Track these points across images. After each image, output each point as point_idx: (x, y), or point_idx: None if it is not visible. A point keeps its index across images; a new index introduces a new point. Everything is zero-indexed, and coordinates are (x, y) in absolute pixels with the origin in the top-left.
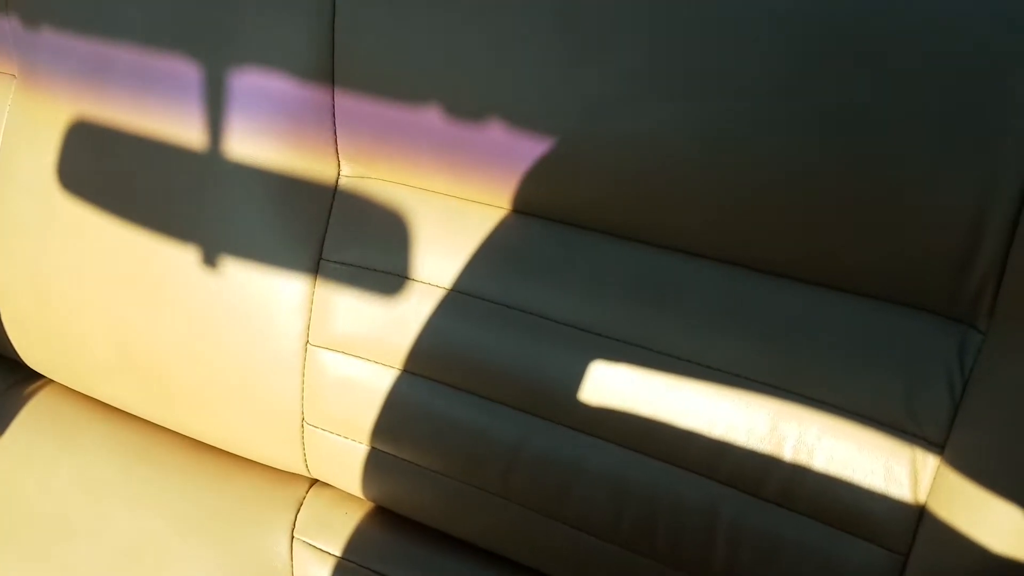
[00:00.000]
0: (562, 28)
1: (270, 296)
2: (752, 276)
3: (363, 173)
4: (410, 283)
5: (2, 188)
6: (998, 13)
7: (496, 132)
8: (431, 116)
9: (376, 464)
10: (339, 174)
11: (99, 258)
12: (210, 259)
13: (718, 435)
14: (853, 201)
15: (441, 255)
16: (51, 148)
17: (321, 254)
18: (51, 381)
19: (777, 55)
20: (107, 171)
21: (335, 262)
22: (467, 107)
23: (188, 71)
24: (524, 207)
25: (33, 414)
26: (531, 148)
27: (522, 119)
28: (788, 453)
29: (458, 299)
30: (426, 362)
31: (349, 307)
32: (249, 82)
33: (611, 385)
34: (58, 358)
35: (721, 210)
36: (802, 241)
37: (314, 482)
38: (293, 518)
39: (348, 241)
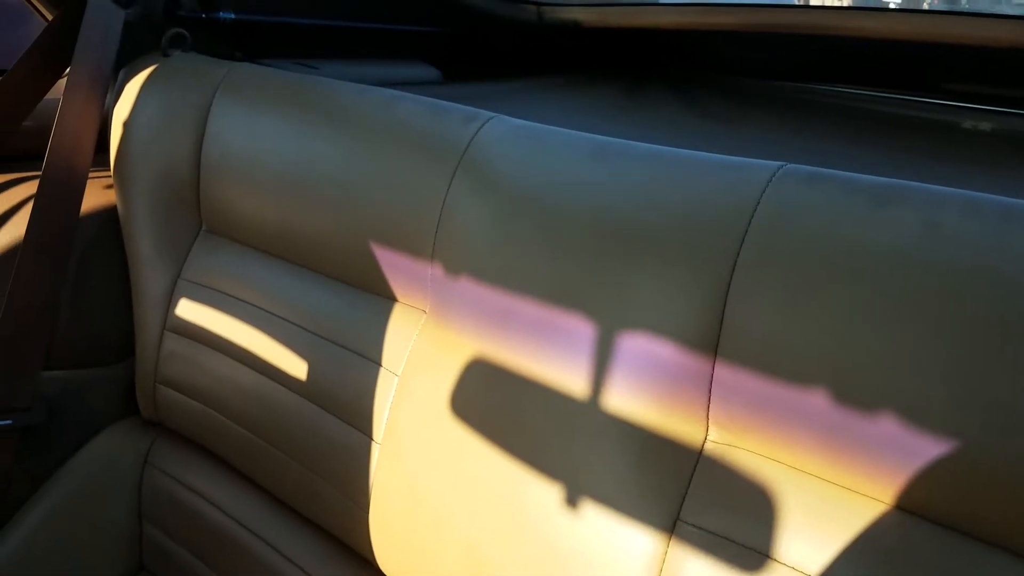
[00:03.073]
0: (967, 337)
1: (622, 548)
2: None
3: (732, 442)
4: (771, 563)
5: (397, 404)
6: None
7: (889, 425)
8: (817, 400)
9: None
10: (706, 438)
11: (471, 481)
12: (570, 500)
13: None
14: None
15: (809, 540)
16: (448, 376)
17: (679, 515)
18: None
19: None
20: (494, 404)
21: (692, 525)
22: (859, 396)
23: (582, 329)
24: (911, 506)
25: None
26: (928, 447)
27: (920, 417)
28: None
29: None
30: None
31: (700, 574)
32: (636, 344)
33: None
34: (410, 564)
35: None
36: None
37: None
38: None
39: (708, 506)
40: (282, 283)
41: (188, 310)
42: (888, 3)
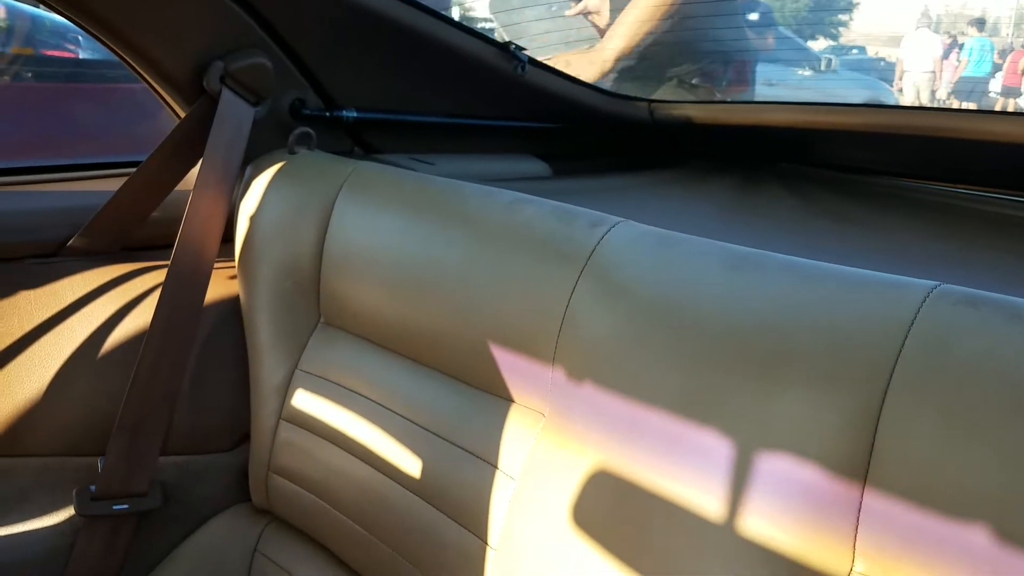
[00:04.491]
0: None
1: None
2: None
3: (880, 574)
4: None
5: (514, 508)
6: None
7: None
8: (975, 537)
9: None
10: (852, 570)
11: None
12: None
13: None
14: None
15: None
16: (570, 484)
17: None
18: None
19: None
20: (619, 517)
21: None
22: (1020, 534)
23: (718, 445)
24: None
25: None
26: None
27: None
28: None
29: None
30: None
31: None
32: (776, 464)
33: None
34: None
35: None
36: None
37: None
38: None
39: None
40: (398, 378)
41: (304, 400)
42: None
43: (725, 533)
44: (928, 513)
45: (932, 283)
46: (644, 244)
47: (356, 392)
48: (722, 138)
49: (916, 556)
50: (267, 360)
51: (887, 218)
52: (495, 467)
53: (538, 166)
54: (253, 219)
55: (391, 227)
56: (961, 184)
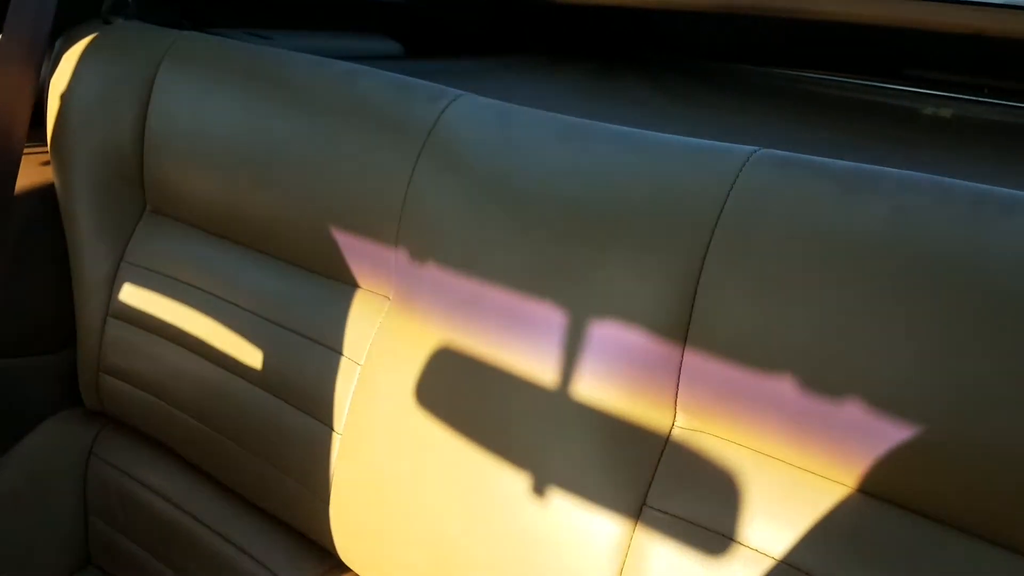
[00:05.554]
0: (936, 324)
1: (588, 533)
2: None
3: (699, 427)
4: (736, 546)
5: (360, 393)
6: None
7: (854, 411)
8: (784, 386)
9: None
10: (674, 424)
11: (435, 469)
12: (538, 488)
13: None
14: None
15: (774, 524)
16: (414, 365)
17: (645, 500)
18: None
19: None
20: (460, 392)
21: (658, 510)
22: (826, 384)
23: (552, 316)
24: (875, 490)
25: None
26: (892, 432)
27: (886, 403)
28: None
29: (788, 572)
30: None
31: (666, 558)
32: (605, 332)
33: None
34: (374, 556)
35: None
36: None
37: None
38: None
39: (674, 491)
40: (234, 267)
41: (132, 295)
42: None
43: (558, 398)
44: (743, 368)
45: (751, 148)
46: (483, 117)
47: (189, 284)
48: (580, 22)
49: (732, 408)
50: (89, 253)
51: (734, 101)
52: (340, 353)
53: (390, 46)
54: (65, 98)
55: (218, 104)
56: (811, 69)
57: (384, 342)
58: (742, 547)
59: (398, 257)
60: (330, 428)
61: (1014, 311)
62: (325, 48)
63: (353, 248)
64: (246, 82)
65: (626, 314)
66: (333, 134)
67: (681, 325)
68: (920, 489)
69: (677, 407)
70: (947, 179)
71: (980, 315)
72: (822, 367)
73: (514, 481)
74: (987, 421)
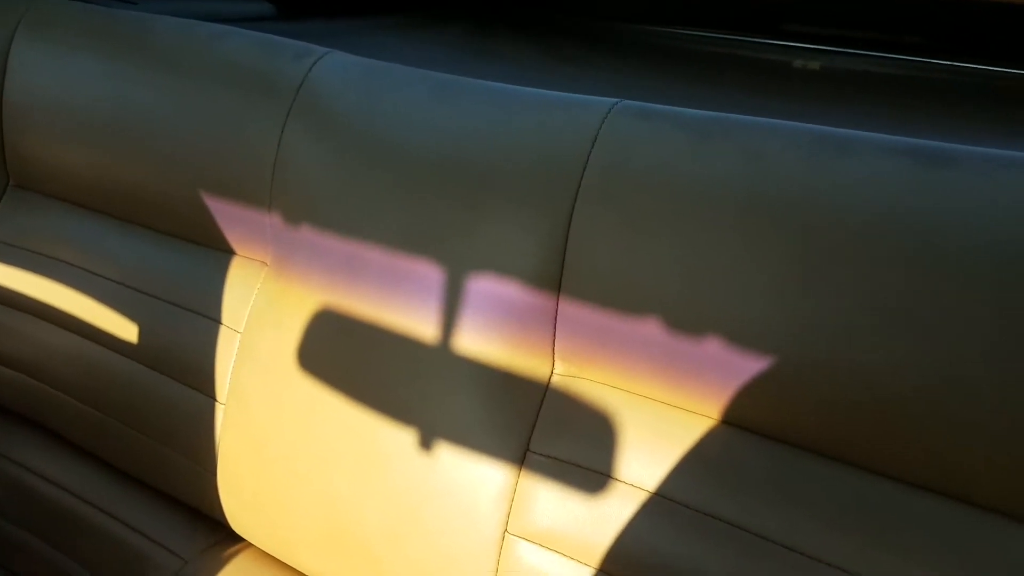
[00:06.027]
0: (783, 262)
1: (475, 483)
2: (979, 514)
3: (576, 373)
4: (613, 483)
5: (240, 362)
6: None
7: (714, 347)
8: (651, 328)
9: None
10: (552, 372)
11: (321, 433)
12: (424, 443)
13: None
14: None
15: (647, 459)
16: (294, 330)
17: (528, 446)
18: (251, 545)
19: (1012, 298)
20: (342, 354)
21: (541, 455)
22: (687, 322)
23: (431, 273)
24: (737, 420)
25: None
26: (748, 365)
27: (742, 337)
28: None
29: (661, 504)
30: (623, 564)
31: (551, 500)
32: (483, 286)
33: None
34: (265, 524)
35: (940, 447)
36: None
37: None
38: None
39: (555, 436)
40: (105, 240)
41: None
42: None
43: (440, 354)
44: (613, 313)
45: (613, 100)
46: (352, 75)
47: (59, 259)
48: None
49: (605, 353)
50: None
51: (608, 58)
52: (218, 322)
53: (261, 7)
54: None
55: (80, 72)
56: (687, 26)
57: (263, 308)
58: (620, 483)
59: (273, 221)
60: (213, 399)
61: (851, 245)
62: (193, 11)
63: (227, 214)
64: (108, 48)
65: (502, 268)
66: (200, 98)
67: (554, 276)
68: (777, 417)
69: (555, 355)
70: (792, 123)
71: (821, 251)
72: (684, 307)
73: (400, 438)
74: (831, 350)
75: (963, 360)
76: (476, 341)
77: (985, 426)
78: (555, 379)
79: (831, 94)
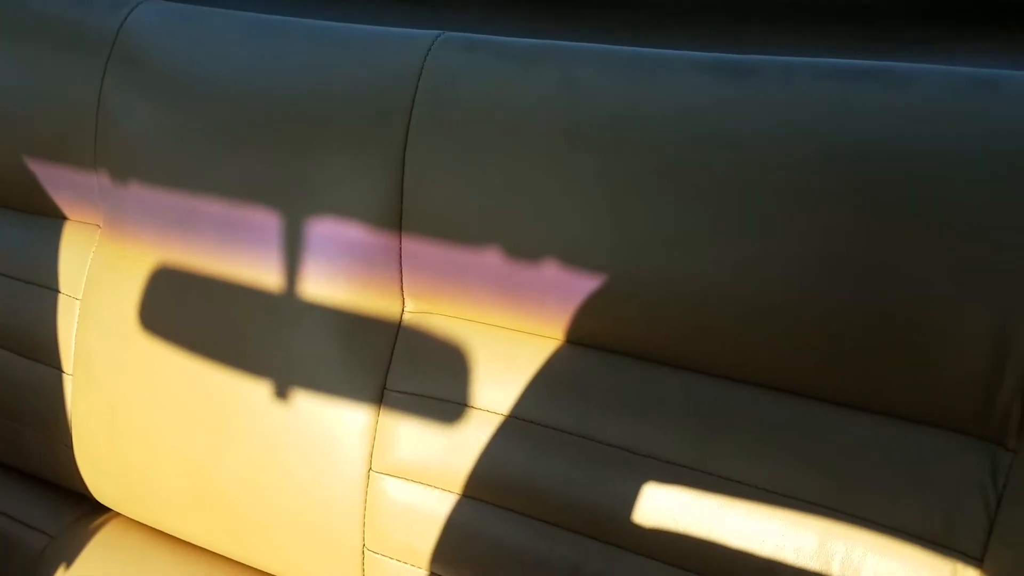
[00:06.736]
0: (605, 182)
1: (336, 425)
2: (799, 402)
3: (426, 309)
4: (469, 410)
5: (83, 329)
6: None
7: (551, 271)
8: (491, 257)
9: None
10: (403, 310)
11: (174, 394)
12: (281, 392)
13: (768, 554)
14: (879, 330)
15: (499, 384)
16: (134, 291)
17: (385, 384)
18: (117, 515)
19: (804, 200)
20: (187, 312)
21: (398, 392)
22: (524, 249)
23: (269, 221)
24: (578, 338)
25: (100, 548)
26: (583, 285)
27: (574, 259)
28: (836, 570)
29: (516, 425)
30: (485, 487)
31: (411, 434)
32: (324, 230)
33: (664, 507)
34: (128, 492)
35: (757, 341)
36: (834, 368)
37: None
38: None
39: (411, 372)
40: None
41: None
42: None
43: (288, 302)
44: (455, 247)
45: (435, 32)
46: (169, 22)
47: None
48: None
49: (451, 287)
50: None
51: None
52: (56, 291)
53: None
54: None
55: None
56: None
57: (100, 272)
58: (475, 410)
59: (101, 181)
60: (60, 370)
61: (665, 159)
62: None
63: (53, 178)
64: None
65: (342, 210)
66: (13, 59)
67: (394, 214)
68: (613, 331)
69: (404, 293)
70: (608, 47)
71: (637, 168)
72: (519, 234)
73: (256, 390)
74: (654, 261)
75: (766, 255)
76: (324, 286)
77: (794, 317)
78: (407, 317)
79: (686, 21)
